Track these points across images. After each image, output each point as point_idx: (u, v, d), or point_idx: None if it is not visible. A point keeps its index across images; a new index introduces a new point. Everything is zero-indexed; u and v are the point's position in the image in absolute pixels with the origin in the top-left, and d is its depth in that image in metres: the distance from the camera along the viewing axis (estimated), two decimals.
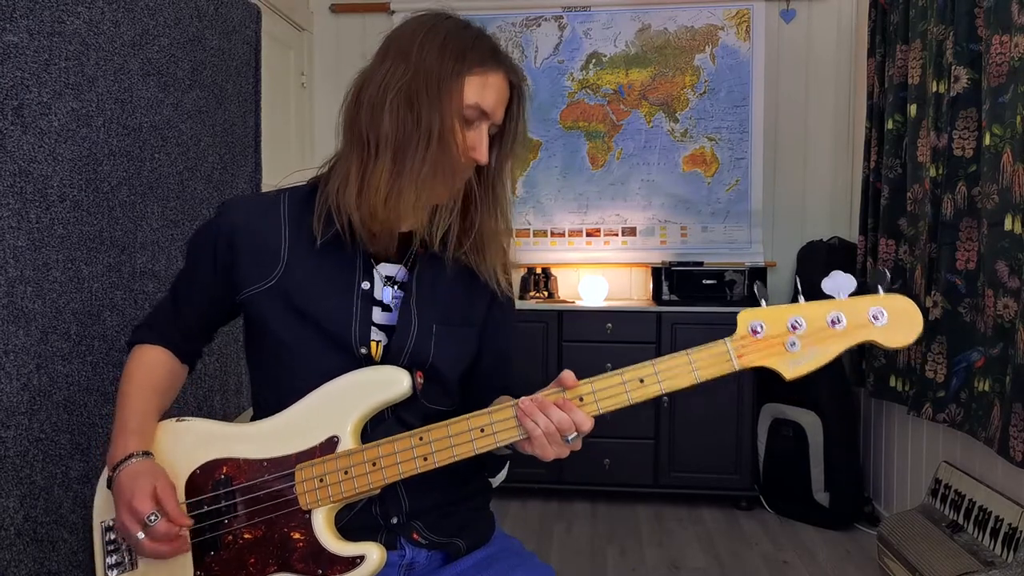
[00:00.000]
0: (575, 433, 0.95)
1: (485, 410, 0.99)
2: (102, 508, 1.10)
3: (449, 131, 1.01)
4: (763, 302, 0.95)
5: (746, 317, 0.95)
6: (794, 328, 0.93)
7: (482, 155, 1.04)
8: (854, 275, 3.14)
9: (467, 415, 0.99)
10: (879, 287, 0.92)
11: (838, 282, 0.93)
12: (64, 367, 1.56)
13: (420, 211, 1.07)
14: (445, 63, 1.01)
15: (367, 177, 1.01)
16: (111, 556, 1.07)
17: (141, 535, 0.98)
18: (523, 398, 0.97)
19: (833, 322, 0.93)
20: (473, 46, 1.04)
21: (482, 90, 1.03)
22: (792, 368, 0.93)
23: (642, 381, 0.96)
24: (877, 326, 0.92)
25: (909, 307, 0.92)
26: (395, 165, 1.00)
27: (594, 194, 3.60)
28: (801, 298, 0.95)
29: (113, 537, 1.08)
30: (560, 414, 0.94)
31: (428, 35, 1.03)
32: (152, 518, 0.97)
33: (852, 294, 0.93)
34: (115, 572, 1.06)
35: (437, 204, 1.07)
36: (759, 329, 0.94)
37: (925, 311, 2.38)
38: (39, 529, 1.48)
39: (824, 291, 0.94)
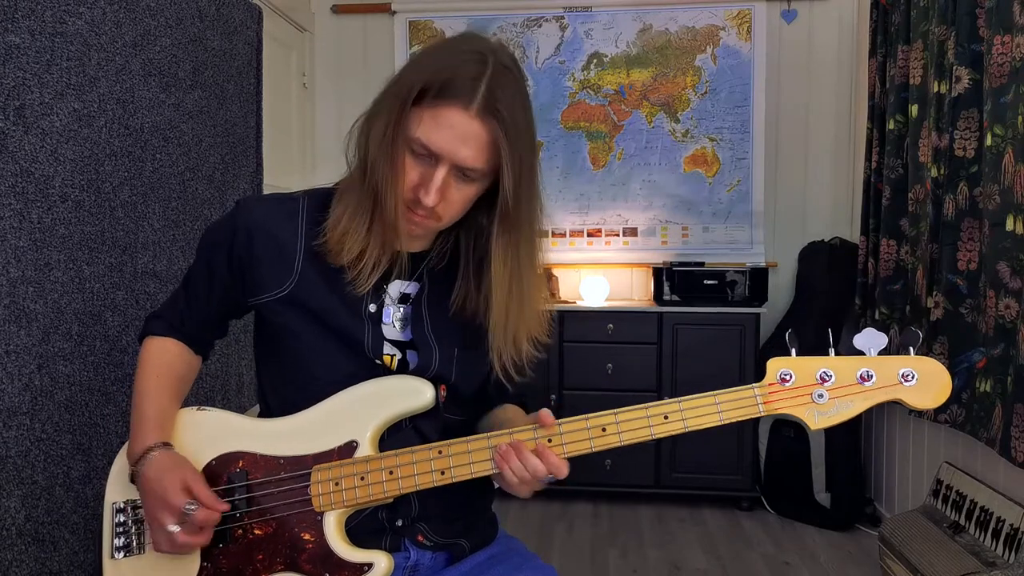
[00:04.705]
0: (551, 476, 0.95)
1: (506, 431, 0.99)
2: (114, 490, 1.10)
3: (389, 160, 0.94)
4: (793, 351, 0.96)
5: (776, 365, 0.96)
6: (823, 380, 0.95)
7: (427, 195, 0.94)
8: (855, 275, 3.14)
9: (487, 434, 0.99)
10: (910, 348, 0.94)
11: (870, 339, 0.95)
12: (66, 367, 1.56)
13: (385, 241, 1.02)
14: (404, 86, 0.94)
15: (337, 199, 1.02)
16: (119, 538, 1.07)
17: (175, 528, 0.97)
18: (500, 443, 0.96)
19: (863, 378, 0.94)
20: (444, 69, 0.93)
21: (423, 123, 0.92)
22: (817, 419, 0.95)
23: (666, 418, 0.96)
24: (906, 386, 0.94)
25: (939, 371, 0.94)
26: (357, 194, 1.00)
27: (595, 194, 3.60)
28: (832, 351, 0.96)
29: (122, 519, 1.08)
30: (535, 461, 0.94)
31: (422, 51, 1.00)
32: (190, 507, 0.97)
33: (881, 351, 0.95)
34: (122, 554, 1.07)
35: (394, 243, 1.02)
36: (788, 378, 0.95)
37: (927, 311, 2.37)
38: (40, 529, 1.49)
39: (855, 346, 0.95)
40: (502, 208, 0.99)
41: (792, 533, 2.92)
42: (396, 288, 1.07)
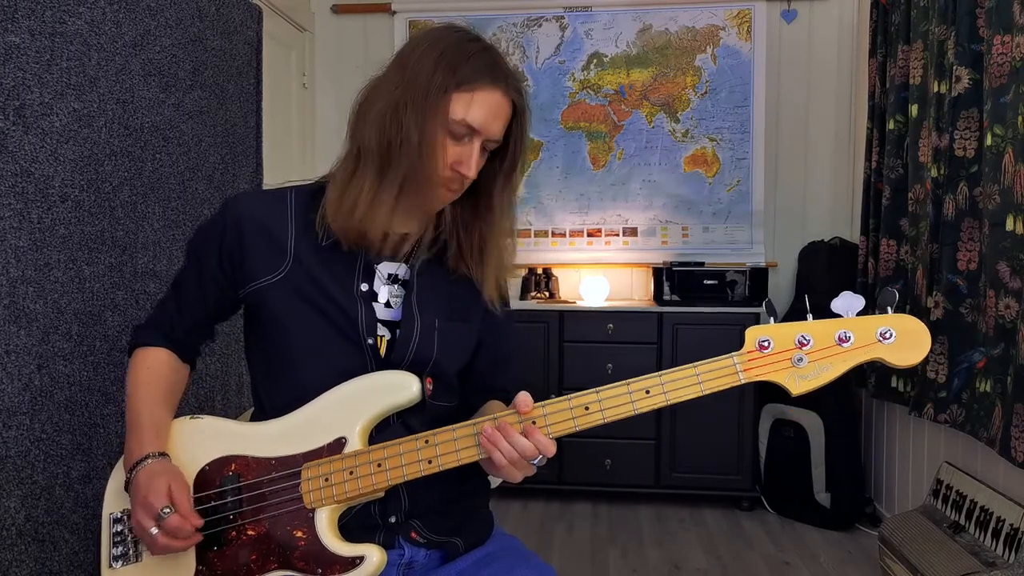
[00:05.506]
0: (540, 457, 0.96)
1: (490, 416, 0.99)
2: (111, 500, 1.11)
3: (429, 144, 1.02)
4: (771, 319, 0.96)
5: (754, 332, 0.96)
6: (802, 344, 0.94)
7: (468, 169, 1.05)
8: (855, 275, 3.14)
9: (473, 420, 1.00)
10: (888, 307, 0.93)
11: (847, 302, 0.95)
12: (65, 367, 1.56)
13: (405, 218, 1.09)
14: (435, 76, 1.02)
15: (351, 184, 1.04)
16: (116, 547, 1.08)
17: (155, 530, 0.99)
18: (485, 425, 0.97)
19: (841, 339, 0.94)
20: (468, 60, 1.04)
21: (470, 107, 1.03)
22: (799, 383, 0.94)
23: (648, 392, 0.96)
24: (885, 344, 0.93)
25: (918, 327, 0.93)
26: (379, 174, 1.03)
27: (595, 194, 3.60)
28: (810, 316, 0.96)
29: (120, 529, 1.09)
30: (523, 441, 0.95)
31: (428, 47, 1.05)
32: (166, 511, 0.98)
33: (860, 313, 0.94)
34: (119, 563, 1.08)
35: (426, 213, 1.10)
36: (767, 344, 0.95)
37: (926, 311, 2.37)
38: (40, 529, 1.49)
39: (833, 310, 0.95)
40: (509, 166, 1.11)
41: (792, 533, 2.92)
42: (385, 269, 1.11)
